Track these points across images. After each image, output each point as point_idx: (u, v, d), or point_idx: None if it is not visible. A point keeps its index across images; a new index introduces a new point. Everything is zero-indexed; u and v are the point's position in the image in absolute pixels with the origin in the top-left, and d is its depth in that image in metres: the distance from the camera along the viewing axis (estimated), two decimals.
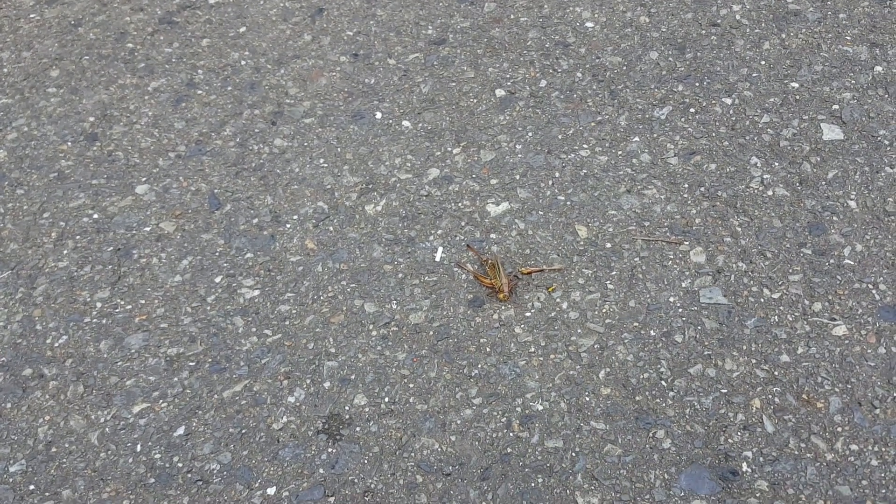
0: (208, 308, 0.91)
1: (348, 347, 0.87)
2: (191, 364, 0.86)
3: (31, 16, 1.34)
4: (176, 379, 0.85)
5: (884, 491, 0.72)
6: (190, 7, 1.32)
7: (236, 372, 0.85)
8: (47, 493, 0.75)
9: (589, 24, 1.22)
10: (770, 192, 0.97)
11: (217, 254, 0.97)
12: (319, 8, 1.29)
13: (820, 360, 0.81)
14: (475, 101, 1.13)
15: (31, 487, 0.76)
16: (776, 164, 1.00)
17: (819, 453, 0.75)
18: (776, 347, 0.82)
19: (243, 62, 1.21)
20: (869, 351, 0.82)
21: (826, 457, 0.75)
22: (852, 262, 0.89)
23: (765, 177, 0.99)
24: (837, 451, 0.75)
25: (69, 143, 1.12)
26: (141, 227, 1.00)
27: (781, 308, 0.86)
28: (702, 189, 0.98)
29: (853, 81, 1.10)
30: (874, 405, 0.78)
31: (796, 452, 0.75)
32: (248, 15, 1.29)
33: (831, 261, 0.90)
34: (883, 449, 0.74)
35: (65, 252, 0.98)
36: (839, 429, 0.76)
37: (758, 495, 0.72)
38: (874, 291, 0.86)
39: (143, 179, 1.06)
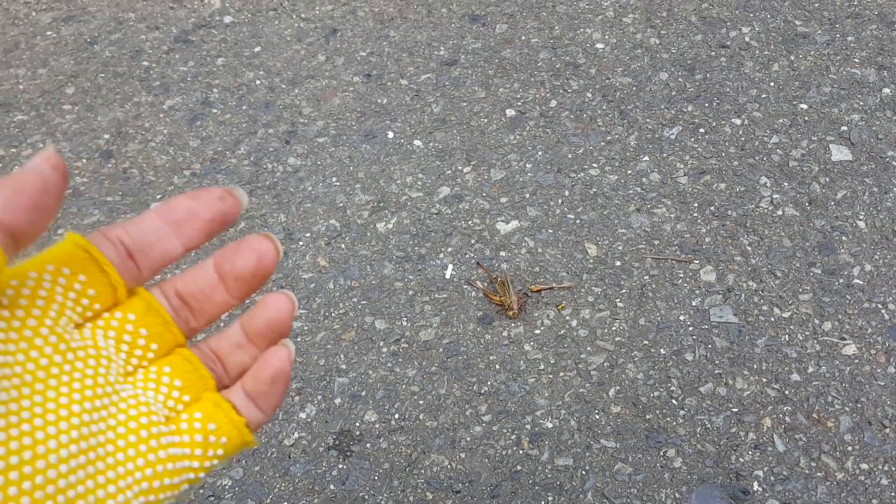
0: (223, 325, 0.92)
1: (359, 364, 0.87)
2: None
3: (48, 33, 1.36)
4: None
5: None
6: (205, 26, 1.34)
7: None
8: None
9: (599, 46, 1.24)
10: (780, 212, 0.98)
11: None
12: (333, 29, 1.31)
13: (830, 380, 0.81)
14: (486, 120, 1.14)
15: None
16: (785, 184, 1.01)
17: (829, 472, 0.75)
18: (787, 367, 0.83)
19: (258, 81, 1.23)
20: (878, 370, 0.82)
21: (836, 476, 0.74)
22: (861, 282, 0.89)
23: (774, 196, 0.99)
24: (848, 470, 0.75)
25: (84, 160, 1.13)
26: None
27: (792, 327, 0.86)
28: (711, 208, 0.99)
29: (861, 103, 1.10)
30: (884, 424, 0.78)
31: (807, 471, 0.75)
32: (262, 35, 1.31)
33: (841, 280, 0.90)
34: (893, 468, 0.74)
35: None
36: (849, 448, 0.76)
37: None
38: (883, 311, 0.87)
39: (158, 197, 1.07)
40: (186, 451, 0.29)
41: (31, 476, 0.23)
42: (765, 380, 0.81)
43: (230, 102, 1.20)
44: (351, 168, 1.09)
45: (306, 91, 1.21)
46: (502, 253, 0.96)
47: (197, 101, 1.21)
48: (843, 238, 0.94)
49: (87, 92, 1.24)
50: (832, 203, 0.98)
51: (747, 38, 1.22)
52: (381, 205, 1.04)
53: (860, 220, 0.96)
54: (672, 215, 0.98)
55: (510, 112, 1.15)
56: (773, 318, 0.87)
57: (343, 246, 0.99)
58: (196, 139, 1.15)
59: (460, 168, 1.08)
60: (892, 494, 0.73)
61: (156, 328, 0.28)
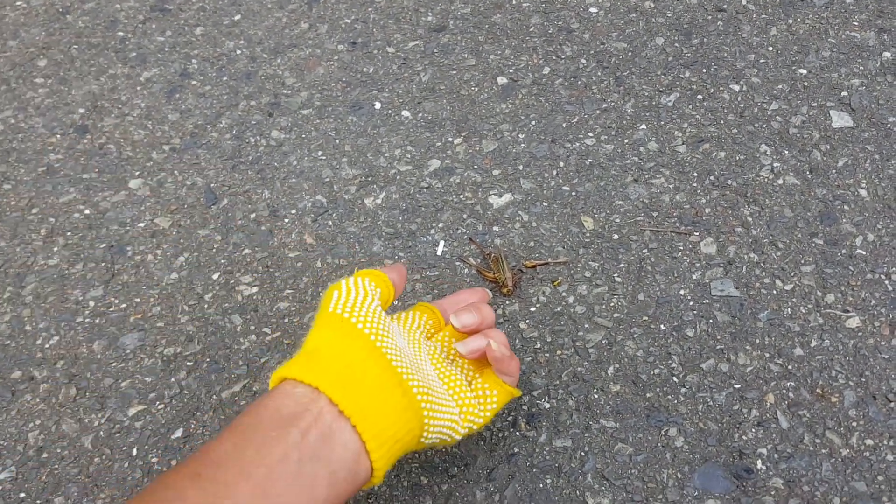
0: (206, 306, 0.89)
1: None
2: (188, 364, 0.84)
3: (17, 3, 1.30)
4: (173, 379, 0.82)
5: None
6: None
7: (235, 371, 0.83)
8: (39, 501, 0.73)
9: (593, 10, 1.20)
10: (780, 181, 0.95)
11: (214, 250, 0.94)
12: None
13: (834, 354, 0.79)
14: (476, 89, 1.10)
15: (22, 495, 0.74)
16: (786, 151, 0.98)
17: (834, 449, 0.73)
18: (789, 341, 0.80)
19: (238, 51, 1.18)
20: (882, 343, 0.80)
21: (841, 452, 0.73)
22: (864, 253, 0.87)
23: (775, 165, 0.97)
24: (853, 446, 0.73)
25: (58, 136, 1.09)
26: (135, 222, 0.98)
27: (794, 300, 0.83)
28: (711, 178, 0.96)
29: (861, 68, 1.07)
30: (889, 399, 0.76)
31: (811, 448, 0.73)
32: (242, 2, 1.26)
33: (843, 251, 0.87)
34: None
35: (55, 249, 0.95)
36: (854, 423, 0.74)
37: (773, 493, 0.71)
38: (887, 282, 0.84)
39: (137, 174, 1.03)
40: (480, 402, 0.61)
41: (416, 376, 0.54)
42: (767, 355, 0.79)
43: (210, 73, 1.15)
44: (337, 141, 1.05)
45: (289, 61, 1.16)
46: (495, 228, 0.93)
47: (175, 72, 1.16)
48: (846, 207, 0.91)
49: (60, 64, 1.19)
50: (833, 171, 0.95)
51: (744, 2, 1.18)
52: (369, 179, 1.00)
53: (862, 188, 0.93)
54: (671, 186, 0.95)
55: (502, 80, 1.11)
56: (775, 291, 0.84)
57: (330, 223, 0.96)
58: (175, 112, 1.11)
59: (451, 140, 1.04)
60: None
61: (435, 318, 0.67)
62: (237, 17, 1.24)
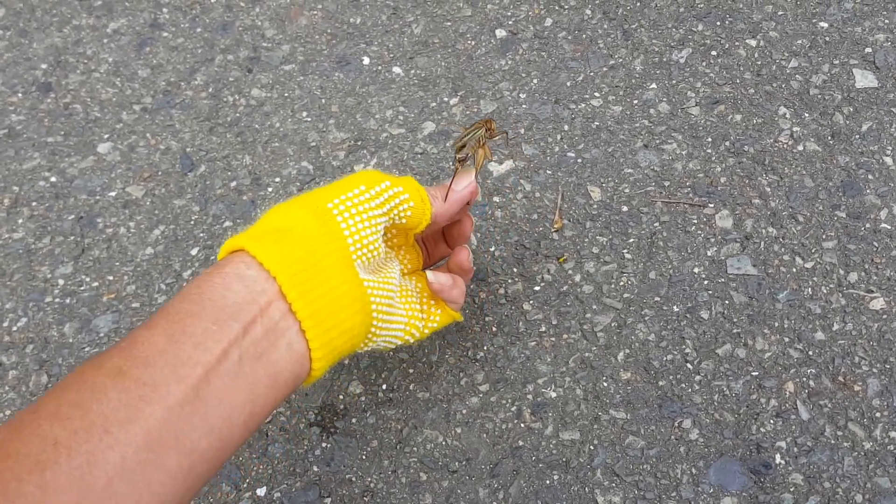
0: (184, 283, 0.82)
1: None
2: None
3: None
4: None
5: None
6: None
7: None
8: None
9: None
10: (801, 147, 0.89)
11: (192, 222, 0.87)
12: None
13: (857, 338, 0.74)
14: (473, 43, 1.02)
15: None
16: (806, 114, 0.91)
17: (857, 442, 0.69)
18: (810, 324, 0.75)
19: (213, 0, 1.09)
20: None
21: (864, 445, 0.69)
22: (889, 227, 0.82)
23: (794, 129, 0.90)
24: (876, 439, 0.69)
25: (20, 95, 1.00)
26: (105, 191, 0.90)
27: (815, 279, 0.78)
28: (727, 143, 0.89)
29: (887, 21, 1.00)
30: None
31: (833, 441, 0.69)
32: None
33: (867, 225, 0.82)
34: None
35: (20, 221, 0.88)
36: (878, 414, 0.70)
37: (792, 490, 0.67)
38: None
39: (106, 137, 0.95)
40: (423, 316, 0.59)
41: (380, 285, 0.51)
42: (787, 339, 0.74)
43: (182, 24, 1.06)
44: (323, 101, 0.97)
45: (268, 10, 1.07)
46: (496, 199, 0.87)
47: (145, 23, 1.07)
48: (870, 177, 0.85)
49: (20, 14, 1.09)
50: (857, 136, 0.89)
51: None
52: (359, 143, 0.93)
53: (887, 155, 0.87)
54: (684, 152, 0.89)
55: (500, 33, 1.03)
56: (794, 269, 0.79)
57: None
58: (146, 68, 1.02)
59: (446, 100, 0.96)
60: None
61: (417, 264, 0.62)
62: None
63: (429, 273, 0.58)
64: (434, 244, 0.65)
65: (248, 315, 0.42)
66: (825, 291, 0.77)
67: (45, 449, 0.35)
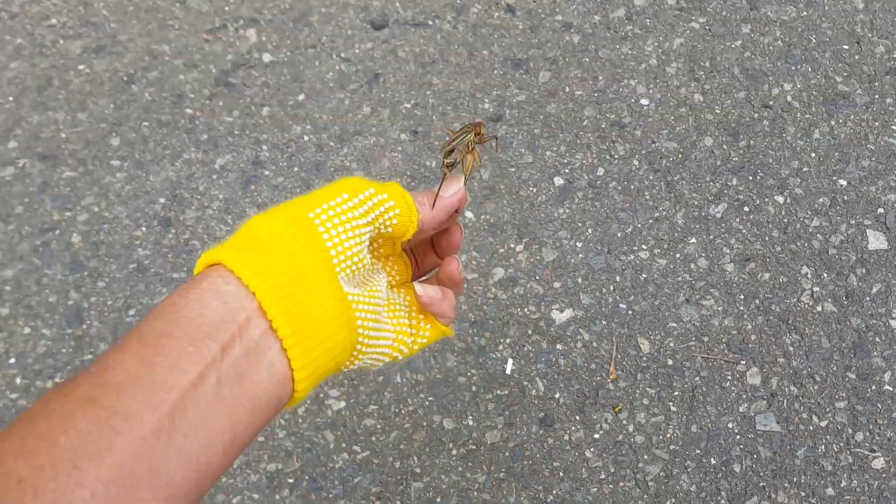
0: (300, 421, 0.98)
1: (431, 467, 0.95)
2: (290, 481, 0.94)
3: (80, 67, 1.34)
4: (278, 497, 0.93)
5: None
6: (245, 66, 1.32)
7: (332, 491, 0.93)
8: None
9: (644, 102, 1.25)
10: (819, 308, 1.04)
11: None
12: (375, 73, 1.30)
13: (860, 495, 0.91)
14: (535, 189, 1.17)
15: None
16: (825, 274, 1.07)
17: None
18: (822, 480, 0.92)
19: (306, 138, 1.24)
20: None
21: None
22: (892, 389, 0.97)
23: (815, 289, 1.06)
24: None
25: (143, 229, 1.15)
26: None
27: (828, 437, 0.94)
28: (756, 301, 1.05)
29: None
30: None
31: None
32: (304, 78, 1.30)
33: (873, 387, 0.98)
34: None
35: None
36: None
37: None
38: None
39: None
40: (413, 331, 0.53)
41: (366, 300, 0.47)
42: (803, 493, 0.91)
43: (281, 163, 1.21)
44: None
45: (355, 150, 1.22)
46: (559, 346, 1.03)
47: (248, 160, 1.22)
48: (877, 339, 1.01)
49: (134, 145, 1.24)
50: (867, 298, 1.04)
51: (789, 98, 1.24)
52: None
53: (892, 318, 1.03)
54: (720, 308, 1.05)
55: (558, 181, 1.18)
56: (811, 427, 0.95)
57: None
58: (252, 206, 1.17)
59: (512, 246, 1.12)
60: None
61: (406, 275, 0.55)
62: (301, 97, 1.28)
63: (417, 286, 0.53)
64: (423, 254, 0.60)
65: (226, 334, 0.39)
66: (836, 449, 0.94)
67: (9, 488, 0.34)
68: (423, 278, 0.59)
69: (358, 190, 0.48)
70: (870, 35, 1.31)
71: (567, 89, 1.27)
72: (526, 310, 1.06)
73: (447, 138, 0.56)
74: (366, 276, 0.49)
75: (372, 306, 0.48)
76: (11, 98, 1.30)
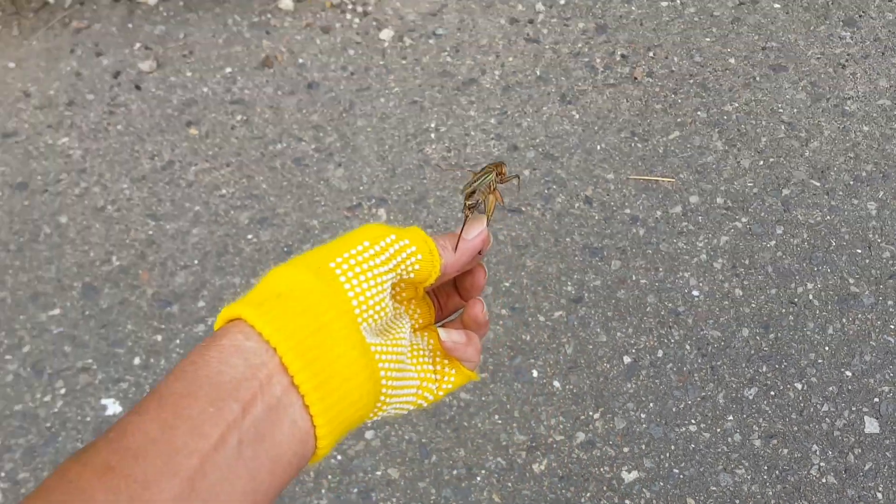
0: None
1: None
2: None
3: (249, 237, 1.70)
4: None
5: None
6: None
7: None
8: None
9: (695, 293, 1.59)
10: (824, 480, 1.38)
11: (431, 502, 1.38)
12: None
13: None
14: (608, 365, 1.51)
15: None
16: (830, 452, 1.40)
17: None
18: None
19: None
20: None
21: None
22: None
23: (821, 464, 1.39)
24: None
25: None
26: (374, 471, 1.42)
27: None
28: (776, 472, 1.39)
29: (892, 374, 1.48)
30: None
31: None
32: None
33: None
34: None
35: (322, 491, 1.40)
36: None
37: None
38: None
39: (368, 425, 1.46)
40: (437, 377, 0.53)
41: (389, 350, 0.47)
42: None
43: None
44: (508, 406, 1.48)
45: None
46: (627, 501, 1.37)
47: None
48: None
49: None
50: (861, 474, 1.38)
51: (811, 296, 1.57)
52: (534, 445, 1.43)
53: (879, 491, 1.36)
54: (749, 476, 1.38)
55: (627, 359, 1.52)
56: None
57: (509, 484, 1.40)
58: None
59: (591, 414, 1.46)
60: None
61: (429, 318, 0.55)
62: None
63: (441, 331, 0.53)
64: (446, 296, 0.58)
65: (247, 392, 0.39)
66: None
67: None
68: (447, 320, 0.58)
69: (379, 237, 0.47)
70: (879, 240, 1.64)
71: (634, 277, 1.62)
72: (602, 469, 1.40)
73: (468, 180, 0.55)
74: (388, 322, 0.48)
75: (395, 355, 0.47)
76: (196, 261, 1.66)
